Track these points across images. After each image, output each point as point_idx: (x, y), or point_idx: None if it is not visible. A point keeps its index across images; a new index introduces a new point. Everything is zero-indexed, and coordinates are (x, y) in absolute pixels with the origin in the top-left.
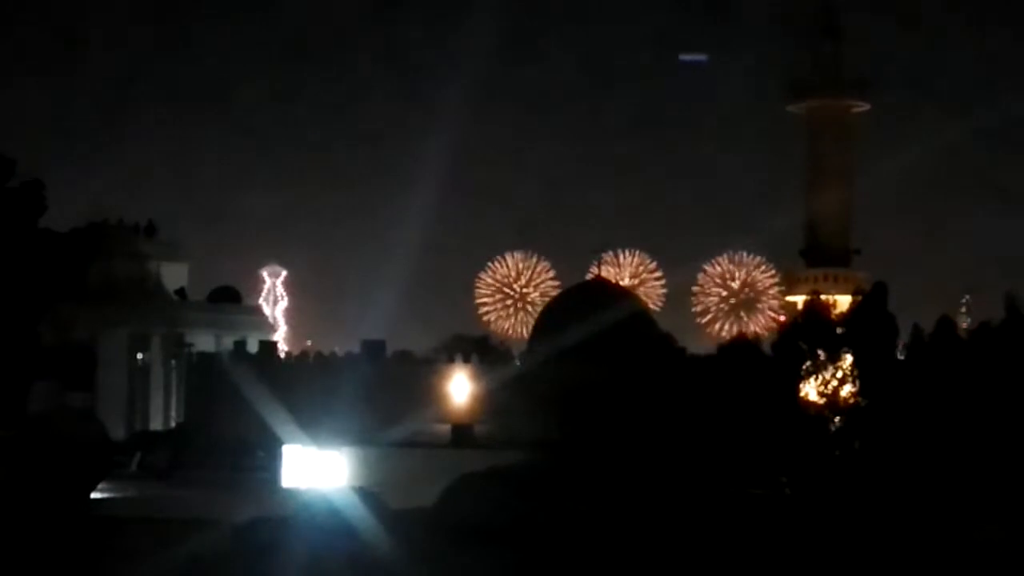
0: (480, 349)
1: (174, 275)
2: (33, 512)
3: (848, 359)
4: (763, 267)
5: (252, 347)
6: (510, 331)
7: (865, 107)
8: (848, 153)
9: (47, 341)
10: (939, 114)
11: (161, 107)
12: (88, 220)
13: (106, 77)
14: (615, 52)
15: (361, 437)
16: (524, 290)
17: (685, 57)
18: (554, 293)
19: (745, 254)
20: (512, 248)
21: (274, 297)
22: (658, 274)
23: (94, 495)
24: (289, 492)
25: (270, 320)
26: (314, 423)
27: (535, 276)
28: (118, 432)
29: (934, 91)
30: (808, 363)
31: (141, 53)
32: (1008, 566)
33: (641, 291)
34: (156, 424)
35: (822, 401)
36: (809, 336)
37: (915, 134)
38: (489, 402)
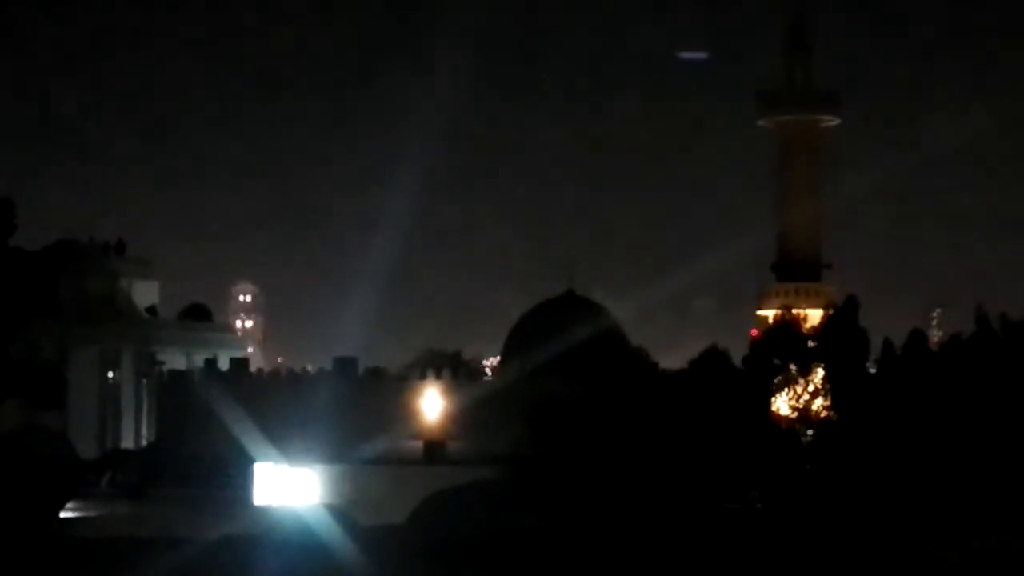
0: (453, 365)
1: (145, 293)
2: (1, 530)
3: (820, 373)
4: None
5: (223, 364)
6: None
7: (835, 122)
8: (818, 167)
9: (17, 359)
10: (909, 129)
11: (132, 127)
12: (58, 238)
13: (76, 98)
14: (596, 62)
15: (333, 454)
16: None
17: (685, 54)
18: None
19: None
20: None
21: (245, 314)
22: None
23: (64, 514)
24: (261, 510)
25: (241, 338)
26: (286, 440)
27: None
28: (90, 450)
29: (904, 106)
30: (780, 377)
31: (112, 74)
32: None
33: None
34: (127, 442)
35: (794, 415)
36: (781, 350)
37: (886, 148)
38: (461, 418)
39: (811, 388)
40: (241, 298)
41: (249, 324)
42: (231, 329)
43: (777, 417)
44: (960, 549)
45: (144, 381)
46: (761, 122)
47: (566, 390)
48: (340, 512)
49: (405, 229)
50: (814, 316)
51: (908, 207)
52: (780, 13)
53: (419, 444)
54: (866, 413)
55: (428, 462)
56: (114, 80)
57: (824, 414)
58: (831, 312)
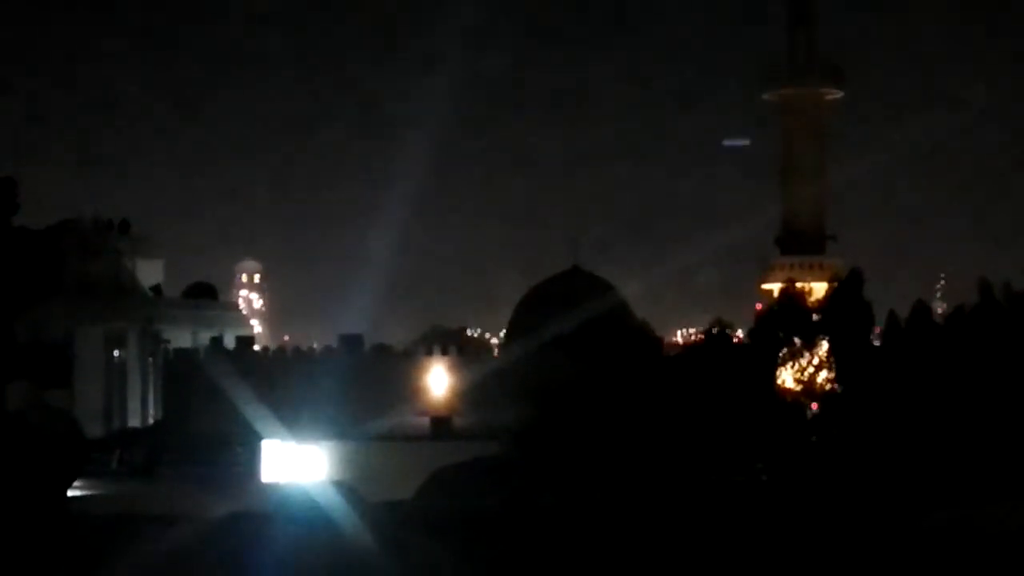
0: (459, 341)
1: (149, 271)
2: (9, 510)
3: (824, 346)
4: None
5: (229, 343)
6: None
7: (839, 95)
8: (823, 140)
9: (23, 338)
10: (914, 101)
11: (135, 106)
12: (62, 218)
13: (81, 77)
14: (603, 35)
15: (340, 431)
16: None
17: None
18: None
19: None
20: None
21: (250, 292)
22: None
23: (73, 493)
24: (268, 487)
25: (246, 316)
26: (292, 418)
27: None
28: (96, 430)
29: (909, 79)
30: (784, 350)
31: (118, 54)
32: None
33: None
34: (134, 421)
35: (799, 388)
36: (785, 323)
37: (890, 121)
38: (468, 394)
39: (816, 361)
40: (246, 276)
41: (254, 302)
42: (236, 307)
43: (782, 390)
44: (963, 520)
45: (150, 360)
46: (765, 95)
47: (572, 366)
48: (347, 488)
49: (411, 206)
50: (819, 289)
51: (912, 179)
52: None
53: (425, 420)
54: (871, 386)
55: (434, 438)
56: (118, 57)
57: (829, 387)
58: (835, 285)
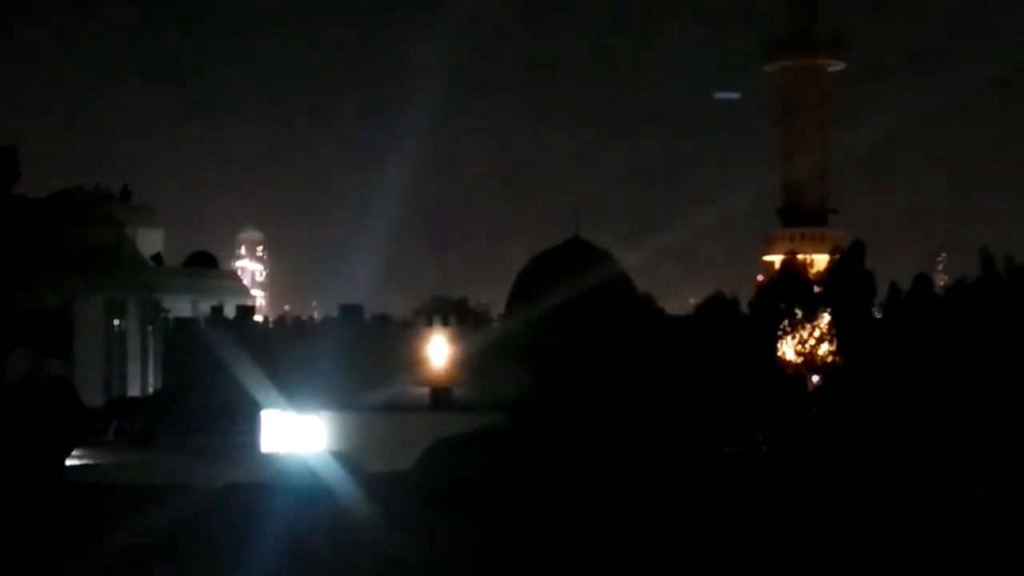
0: (459, 311)
1: (150, 241)
2: (8, 478)
3: (825, 318)
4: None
5: (229, 312)
6: None
7: (840, 66)
8: (824, 112)
9: (23, 307)
10: (916, 72)
11: (136, 74)
12: (63, 186)
13: (81, 46)
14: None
15: (340, 401)
16: None
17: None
18: None
19: None
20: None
21: (251, 261)
22: None
23: (72, 461)
24: (268, 457)
25: (247, 283)
26: (292, 388)
27: None
28: (96, 399)
29: (910, 50)
30: (786, 322)
31: (117, 24)
32: (984, 524)
33: None
34: (134, 390)
35: (800, 360)
36: (787, 295)
37: (892, 93)
38: (468, 365)
39: (817, 333)
40: (247, 246)
41: (255, 271)
42: (236, 277)
43: (783, 362)
44: (964, 491)
45: (150, 329)
46: (766, 67)
47: (572, 336)
48: (347, 459)
49: (411, 176)
50: (820, 261)
51: (914, 152)
52: None
53: (425, 391)
54: (872, 358)
55: (434, 409)
56: (118, 25)
57: (830, 359)
58: (837, 257)
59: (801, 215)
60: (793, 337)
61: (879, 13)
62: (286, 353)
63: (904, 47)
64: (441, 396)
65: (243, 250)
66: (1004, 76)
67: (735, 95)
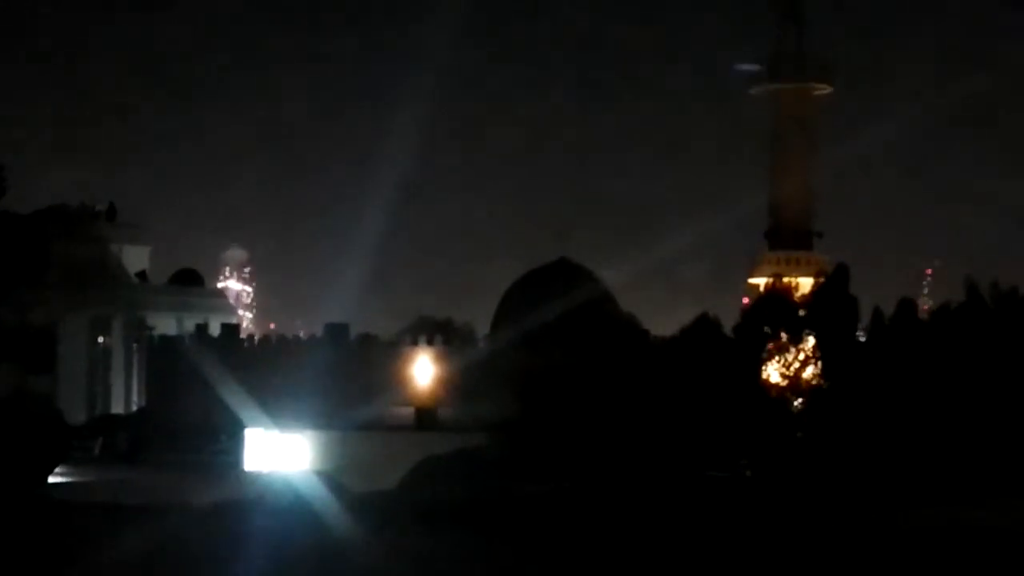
0: (444, 331)
1: (135, 257)
2: None
3: (810, 341)
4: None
5: (214, 330)
6: None
7: (828, 90)
8: (811, 135)
9: (7, 323)
10: (902, 97)
11: (122, 92)
12: (49, 203)
13: (69, 63)
14: (580, 23)
15: (324, 420)
16: None
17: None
18: None
19: None
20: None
21: (236, 280)
22: None
23: (53, 479)
24: (251, 476)
25: (232, 303)
26: (277, 406)
27: None
28: (79, 415)
29: (897, 74)
30: (770, 345)
31: (104, 39)
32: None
33: None
34: (118, 408)
35: (784, 383)
36: (771, 318)
37: (878, 117)
38: (453, 385)
39: (801, 356)
40: (233, 264)
41: (240, 289)
42: (222, 294)
43: (767, 385)
44: (947, 516)
45: (135, 346)
46: (753, 90)
47: (557, 358)
48: (331, 478)
49: (397, 196)
50: (805, 284)
51: (900, 176)
52: None
53: (410, 410)
54: (856, 381)
55: (419, 428)
56: (106, 43)
57: (814, 382)
58: (821, 281)
59: (787, 238)
60: (778, 360)
61: (868, 37)
62: (271, 372)
63: (892, 71)
64: (426, 416)
65: (229, 268)
66: (991, 98)
67: (756, 67)
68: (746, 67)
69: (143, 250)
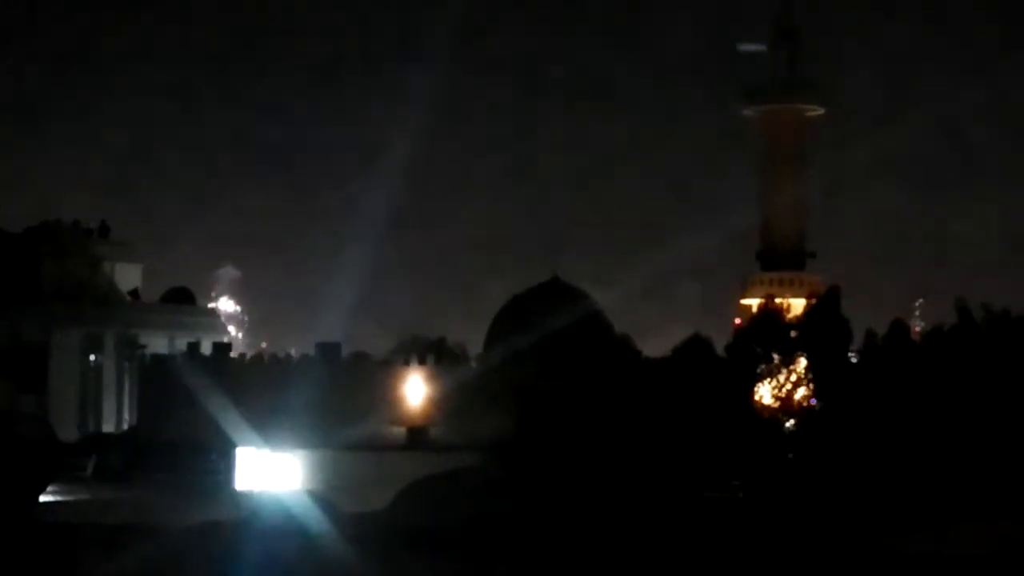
0: (437, 350)
1: (128, 276)
2: None
3: (802, 362)
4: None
5: (206, 349)
6: None
7: (819, 111)
8: (803, 156)
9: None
10: (894, 117)
11: (115, 107)
12: (41, 220)
13: (59, 77)
14: (573, 50)
15: (315, 440)
16: None
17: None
18: None
19: None
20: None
21: (228, 298)
22: None
23: (46, 498)
24: (243, 495)
25: (224, 321)
26: (268, 426)
27: None
28: (70, 434)
29: (888, 95)
30: (762, 366)
31: (97, 53)
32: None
33: None
34: (109, 426)
35: (776, 404)
36: (763, 339)
37: (871, 138)
38: (445, 404)
39: (793, 377)
40: (224, 282)
41: (232, 308)
42: (214, 313)
43: (759, 406)
44: (938, 539)
45: (126, 365)
46: (746, 111)
47: (550, 377)
48: (322, 498)
49: (389, 214)
50: (797, 305)
51: (892, 197)
52: (766, 1)
53: (402, 430)
54: (848, 403)
55: (411, 448)
56: (97, 61)
57: (806, 403)
58: (813, 302)
59: (780, 259)
60: (770, 381)
61: (859, 58)
62: (262, 391)
63: (882, 93)
64: (417, 435)
65: (221, 286)
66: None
67: (761, 47)
68: (749, 47)
69: (136, 268)
